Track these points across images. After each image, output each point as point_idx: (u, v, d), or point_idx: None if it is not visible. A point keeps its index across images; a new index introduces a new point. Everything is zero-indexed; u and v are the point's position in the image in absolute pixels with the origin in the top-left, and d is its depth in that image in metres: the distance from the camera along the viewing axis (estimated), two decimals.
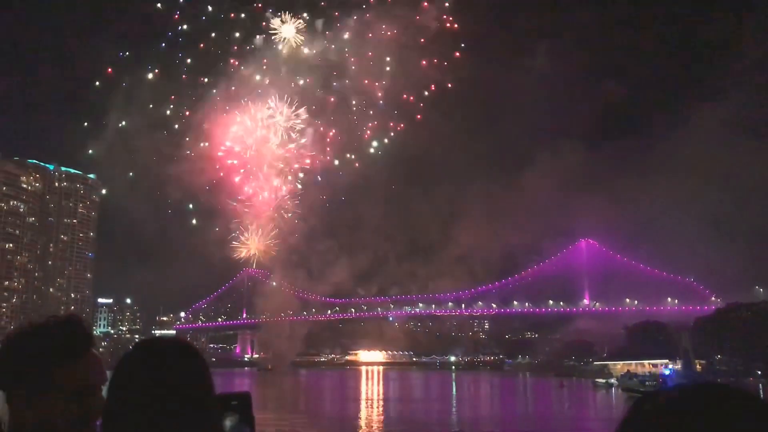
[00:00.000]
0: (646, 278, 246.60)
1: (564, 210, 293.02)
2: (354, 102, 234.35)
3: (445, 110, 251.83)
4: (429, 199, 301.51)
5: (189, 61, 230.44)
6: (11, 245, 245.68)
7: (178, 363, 2.56)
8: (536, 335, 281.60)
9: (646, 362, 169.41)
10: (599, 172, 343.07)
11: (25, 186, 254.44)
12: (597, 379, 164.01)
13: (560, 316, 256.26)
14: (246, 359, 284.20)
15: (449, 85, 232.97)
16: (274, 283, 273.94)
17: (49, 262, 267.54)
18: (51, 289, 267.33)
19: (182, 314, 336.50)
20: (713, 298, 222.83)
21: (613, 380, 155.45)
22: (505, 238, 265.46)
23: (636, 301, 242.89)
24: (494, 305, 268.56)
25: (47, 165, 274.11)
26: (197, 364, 2.63)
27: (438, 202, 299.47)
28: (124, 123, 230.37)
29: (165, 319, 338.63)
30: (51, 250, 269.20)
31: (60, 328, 2.82)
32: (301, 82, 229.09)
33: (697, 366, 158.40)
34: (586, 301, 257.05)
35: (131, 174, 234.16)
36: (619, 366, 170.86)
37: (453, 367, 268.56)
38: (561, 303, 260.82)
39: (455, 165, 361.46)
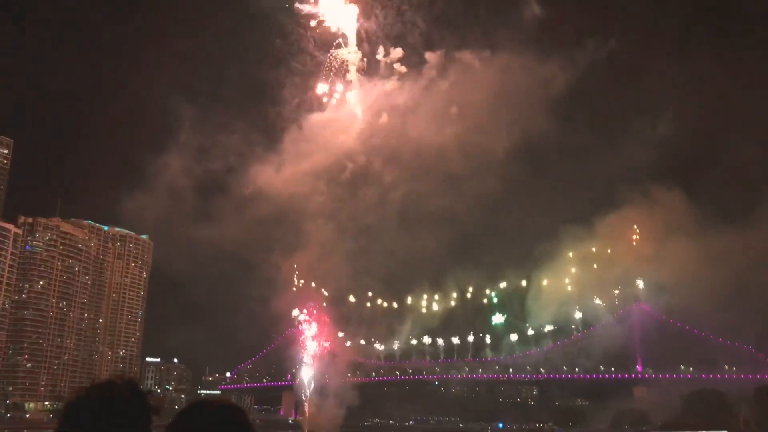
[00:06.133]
0: (701, 345, 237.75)
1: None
2: None
3: None
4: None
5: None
6: (64, 303, 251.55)
7: (228, 425, 2.82)
8: (586, 402, 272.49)
9: None
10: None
11: (81, 246, 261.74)
12: None
13: (612, 383, 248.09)
14: (290, 422, 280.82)
15: None
16: (315, 344, 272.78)
17: (100, 320, 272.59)
18: (101, 347, 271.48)
19: (228, 374, 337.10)
20: None
21: None
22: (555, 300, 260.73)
23: (691, 368, 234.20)
24: (542, 370, 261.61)
25: (102, 225, 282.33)
26: (245, 426, 2.90)
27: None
28: (173, 181, 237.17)
29: (210, 378, 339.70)
30: (102, 309, 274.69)
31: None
32: None
33: None
34: (638, 368, 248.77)
35: (178, 233, 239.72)
36: None
37: None
38: (612, 369, 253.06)
39: None
